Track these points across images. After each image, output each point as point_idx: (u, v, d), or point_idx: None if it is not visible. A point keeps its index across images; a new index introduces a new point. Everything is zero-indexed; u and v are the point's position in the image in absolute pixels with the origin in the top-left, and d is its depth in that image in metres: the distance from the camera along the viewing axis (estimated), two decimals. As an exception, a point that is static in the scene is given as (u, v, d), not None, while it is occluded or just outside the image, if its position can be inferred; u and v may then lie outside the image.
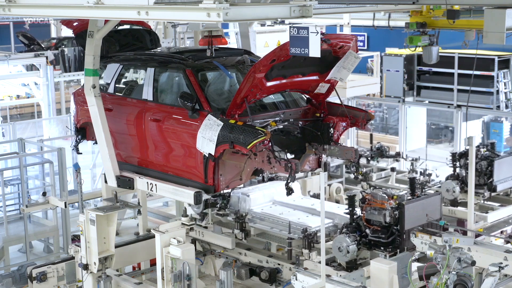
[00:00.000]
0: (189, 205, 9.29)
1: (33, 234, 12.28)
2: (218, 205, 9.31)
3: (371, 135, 13.84)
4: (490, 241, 9.30)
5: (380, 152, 12.87)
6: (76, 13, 7.64)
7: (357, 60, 8.27)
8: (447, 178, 11.14)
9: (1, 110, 21.32)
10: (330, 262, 8.32)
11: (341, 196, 11.10)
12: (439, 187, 11.27)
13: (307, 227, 8.58)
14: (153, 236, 8.16)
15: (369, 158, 12.85)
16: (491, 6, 9.19)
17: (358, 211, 8.57)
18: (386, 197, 8.31)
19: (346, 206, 8.66)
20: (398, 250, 8.17)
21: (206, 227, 9.58)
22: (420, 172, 11.96)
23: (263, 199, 9.48)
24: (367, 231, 8.33)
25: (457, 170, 11.11)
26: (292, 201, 9.45)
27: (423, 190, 10.91)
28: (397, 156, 12.89)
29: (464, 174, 10.94)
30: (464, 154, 11.05)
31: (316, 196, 10.00)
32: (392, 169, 12.75)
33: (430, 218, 8.34)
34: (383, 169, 13.04)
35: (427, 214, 8.35)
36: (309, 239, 8.46)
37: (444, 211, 10.50)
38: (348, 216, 8.52)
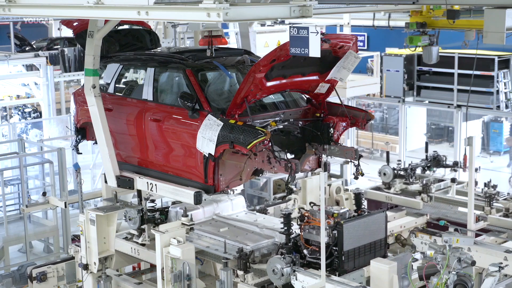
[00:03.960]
0: (127, 220, 8.75)
1: (33, 234, 12.30)
2: (156, 221, 8.80)
3: (426, 143, 12.65)
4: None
5: (436, 161, 11.85)
6: (76, 13, 7.64)
7: (357, 60, 8.26)
8: None
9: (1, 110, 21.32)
10: (267, 284, 7.67)
11: (341, 196, 11.05)
12: (505, 199, 10.58)
13: (243, 246, 7.90)
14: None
15: (425, 168, 11.84)
16: (491, 6, 9.20)
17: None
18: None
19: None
20: (336, 273, 7.51)
21: (143, 245, 8.63)
22: (484, 183, 10.96)
23: (203, 215, 8.93)
24: (305, 251, 7.70)
25: None
26: (234, 217, 8.94)
27: (491, 203, 10.34)
28: (455, 165, 11.90)
29: None
30: None
31: (262, 210, 9.53)
32: (453, 180, 11.69)
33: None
34: (441, 180, 11.96)
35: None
36: (244, 260, 7.73)
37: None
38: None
